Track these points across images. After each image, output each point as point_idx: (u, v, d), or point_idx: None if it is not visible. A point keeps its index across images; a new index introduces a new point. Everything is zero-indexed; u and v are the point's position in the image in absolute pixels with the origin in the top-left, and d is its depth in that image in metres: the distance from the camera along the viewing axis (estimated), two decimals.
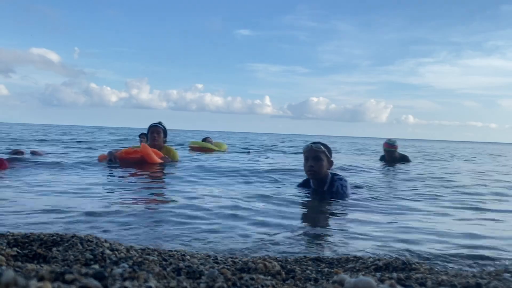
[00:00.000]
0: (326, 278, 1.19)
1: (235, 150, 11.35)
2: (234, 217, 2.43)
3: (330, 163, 3.46)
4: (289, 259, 1.51)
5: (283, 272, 1.21)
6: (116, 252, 1.24)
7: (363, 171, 6.06)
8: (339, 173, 3.65)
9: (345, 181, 3.47)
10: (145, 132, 5.83)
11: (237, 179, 4.48)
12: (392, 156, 7.33)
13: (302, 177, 3.91)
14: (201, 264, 1.23)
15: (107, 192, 3.18)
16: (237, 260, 1.37)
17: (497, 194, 4.11)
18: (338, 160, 5.85)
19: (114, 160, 5.14)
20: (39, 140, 12.80)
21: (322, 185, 3.44)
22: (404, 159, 7.47)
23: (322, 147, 3.40)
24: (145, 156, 5.05)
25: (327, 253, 1.77)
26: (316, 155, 3.36)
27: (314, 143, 3.45)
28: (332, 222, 2.47)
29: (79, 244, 1.30)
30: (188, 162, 5.89)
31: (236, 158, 7.34)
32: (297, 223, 2.41)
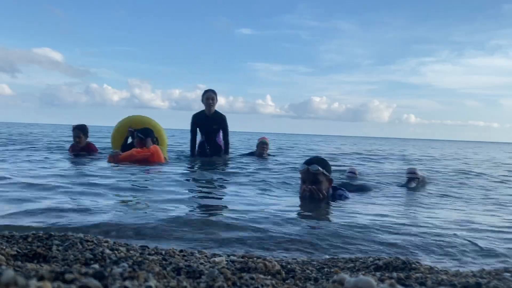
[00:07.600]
0: (326, 277, 1.18)
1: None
2: (233, 217, 2.43)
3: (330, 181, 3.09)
4: (289, 259, 1.51)
5: (283, 272, 1.21)
6: (116, 251, 1.24)
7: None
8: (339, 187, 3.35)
9: (346, 197, 3.17)
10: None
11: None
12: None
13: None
14: (200, 263, 1.23)
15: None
16: (236, 259, 1.36)
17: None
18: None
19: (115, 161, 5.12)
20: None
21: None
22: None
23: (319, 168, 2.96)
24: (154, 156, 5.17)
25: (327, 252, 1.77)
26: (314, 178, 2.98)
27: (311, 163, 3.01)
28: (331, 222, 2.46)
29: (79, 244, 1.30)
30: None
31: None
32: (296, 223, 2.41)
